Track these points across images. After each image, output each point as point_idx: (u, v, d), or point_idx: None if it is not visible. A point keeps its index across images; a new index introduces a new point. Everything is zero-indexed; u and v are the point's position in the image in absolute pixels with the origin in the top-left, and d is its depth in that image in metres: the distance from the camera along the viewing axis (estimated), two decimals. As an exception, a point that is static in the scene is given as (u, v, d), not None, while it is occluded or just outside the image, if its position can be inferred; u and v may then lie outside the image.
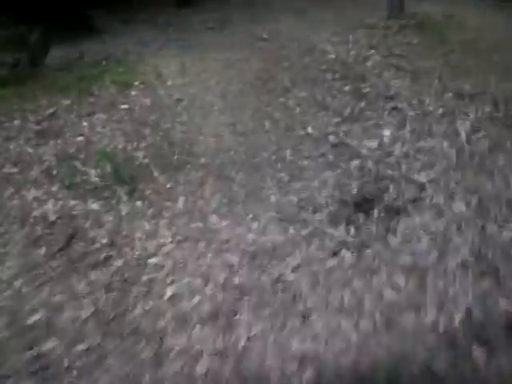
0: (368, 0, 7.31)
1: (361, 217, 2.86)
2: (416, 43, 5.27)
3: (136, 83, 4.38)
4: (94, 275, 2.40)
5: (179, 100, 4.16)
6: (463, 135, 3.83)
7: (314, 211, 2.90)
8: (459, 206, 2.88)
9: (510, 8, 7.02)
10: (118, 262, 2.53)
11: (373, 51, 5.16)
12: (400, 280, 2.31)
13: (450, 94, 4.49)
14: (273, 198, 2.98)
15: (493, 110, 4.19)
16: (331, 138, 3.81)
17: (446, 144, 3.73)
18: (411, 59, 5.02)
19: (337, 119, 4.10)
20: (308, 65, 4.96)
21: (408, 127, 4.00)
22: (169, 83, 4.49)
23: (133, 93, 4.23)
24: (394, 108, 4.31)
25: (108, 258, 2.52)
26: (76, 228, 2.72)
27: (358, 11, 6.84)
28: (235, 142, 3.48)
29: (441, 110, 4.22)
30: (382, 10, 6.38)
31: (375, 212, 2.88)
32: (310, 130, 3.89)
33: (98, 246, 2.62)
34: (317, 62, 4.96)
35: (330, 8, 7.30)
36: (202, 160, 3.30)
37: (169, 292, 2.30)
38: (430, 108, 4.28)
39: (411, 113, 4.22)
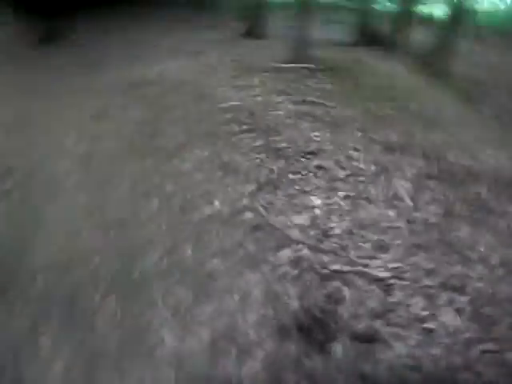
0: (268, 43, 6.91)
1: (316, 357, 1.84)
2: (330, 89, 4.77)
3: None
4: None
5: (9, 169, 2.78)
6: (407, 200, 3.20)
7: (240, 358, 1.80)
8: (449, 318, 2.06)
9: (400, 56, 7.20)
10: None
11: (283, 97, 4.48)
12: None
13: (378, 147, 3.95)
14: (166, 344, 1.80)
15: (426, 165, 3.71)
16: (248, 215, 2.84)
17: (391, 213, 3.03)
18: (328, 107, 4.45)
19: (252, 187, 3.17)
20: (207, 114, 4.04)
21: (341, 192, 3.24)
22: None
23: None
24: (320, 167, 3.56)
25: None
26: None
27: (257, 53, 6.29)
28: (101, 242, 2.25)
29: (373, 168, 3.61)
30: (282, 52, 5.91)
31: (336, 345, 1.90)
32: (217, 205, 2.87)
33: None
34: (218, 111, 4.07)
35: (227, 51, 6.67)
36: (39, 283, 1.98)
37: None
38: (361, 165, 3.64)
39: (341, 172, 3.51)
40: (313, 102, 4.40)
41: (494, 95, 5.97)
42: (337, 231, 2.78)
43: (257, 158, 3.55)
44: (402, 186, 3.38)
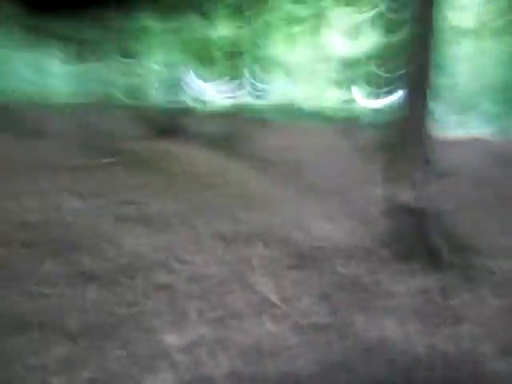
0: (53, 141, 5.72)
1: None
2: (144, 184, 3.97)
3: None
4: None
5: None
6: (281, 303, 2.53)
7: None
8: None
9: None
10: None
11: (92, 201, 3.42)
12: None
13: (219, 243, 3.33)
14: None
15: (281, 254, 3.23)
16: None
17: (273, 328, 2.28)
18: (147, 204, 3.61)
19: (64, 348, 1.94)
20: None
21: (200, 316, 2.35)
22: None
23: None
24: (160, 287, 2.64)
25: None
26: None
27: (46, 152, 5.05)
28: None
29: (224, 270, 2.93)
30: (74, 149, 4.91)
31: None
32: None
33: None
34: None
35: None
36: None
37: None
38: (209, 270, 2.91)
39: (190, 288, 2.66)
40: (128, 202, 3.50)
41: (300, 171, 6.14)
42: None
43: (70, 286, 2.35)
44: (266, 286, 2.73)
